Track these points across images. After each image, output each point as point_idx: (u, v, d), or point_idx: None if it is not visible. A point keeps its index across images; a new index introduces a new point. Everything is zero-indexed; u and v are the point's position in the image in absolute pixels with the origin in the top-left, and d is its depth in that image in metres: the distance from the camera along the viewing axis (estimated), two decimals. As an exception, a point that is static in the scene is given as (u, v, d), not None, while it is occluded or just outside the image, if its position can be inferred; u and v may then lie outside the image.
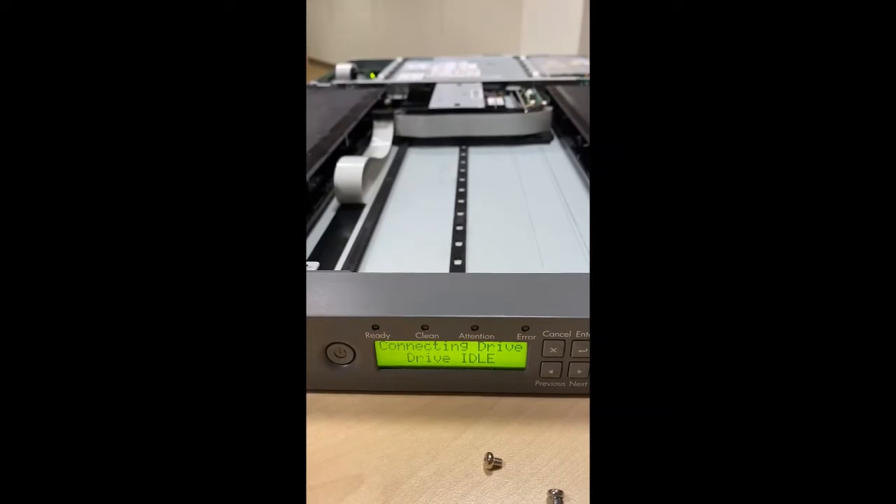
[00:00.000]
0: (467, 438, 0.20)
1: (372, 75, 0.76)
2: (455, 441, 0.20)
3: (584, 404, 0.21)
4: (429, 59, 0.84)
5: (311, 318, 0.20)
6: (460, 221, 0.35)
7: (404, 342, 0.21)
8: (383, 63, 0.82)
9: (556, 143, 0.51)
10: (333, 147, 0.41)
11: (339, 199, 0.38)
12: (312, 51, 2.85)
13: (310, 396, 0.22)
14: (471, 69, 0.71)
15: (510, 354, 0.21)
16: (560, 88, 0.58)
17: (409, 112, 0.51)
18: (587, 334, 0.20)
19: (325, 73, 0.74)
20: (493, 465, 0.19)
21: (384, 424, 0.21)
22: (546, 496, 0.18)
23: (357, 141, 0.49)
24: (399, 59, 0.82)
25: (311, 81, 0.66)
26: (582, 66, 0.72)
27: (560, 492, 0.18)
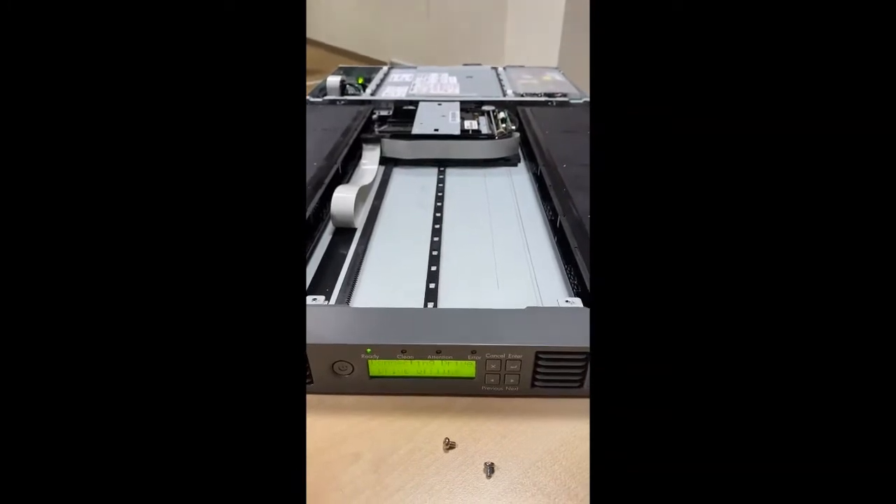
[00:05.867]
0: (432, 427, 0.29)
1: (360, 80, 0.82)
2: (424, 429, 0.29)
3: (515, 402, 0.30)
4: (413, 67, 0.90)
5: (322, 344, 0.28)
6: (436, 246, 0.43)
7: (389, 360, 0.29)
8: (370, 70, 0.88)
9: (522, 165, 0.59)
10: (329, 176, 0.48)
11: (334, 225, 0.45)
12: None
13: (321, 397, 0.30)
14: (451, 83, 0.77)
15: (464, 367, 0.29)
16: (528, 111, 0.65)
17: (393, 136, 0.58)
18: (516, 356, 0.28)
19: (311, 50, 0.77)
20: (449, 445, 0.28)
21: (374, 417, 0.29)
22: (482, 466, 0.26)
23: (349, 163, 0.57)
24: (385, 68, 0.88)
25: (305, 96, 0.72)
26: (553, 81, 0.79)
27: (492, 464, 0.26)
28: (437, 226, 0.46)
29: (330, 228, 0.46)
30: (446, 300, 0.36)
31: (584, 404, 0.30)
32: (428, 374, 0.30)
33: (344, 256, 0.42)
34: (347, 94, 0.74)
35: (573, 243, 0.37)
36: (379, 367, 0.29)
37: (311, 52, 2.76)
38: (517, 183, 0.55)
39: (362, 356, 0.29)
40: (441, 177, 0.56)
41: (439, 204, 0.50)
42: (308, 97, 0.72)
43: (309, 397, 0.30)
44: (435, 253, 0.42)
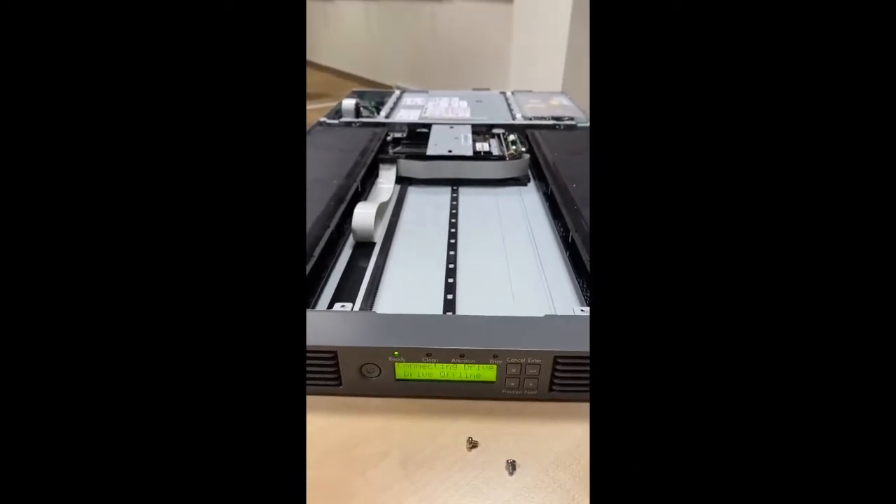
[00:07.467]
0: (455, 428, 0.30)
1: (373, 104, 0.85)
2: (447, 429, 0.30)
3: (534, 406, 0.32)
4: (423, 91, 0.93)
5: (351, 346, 0.30)
6: (451, 260, 0.45)
7: (414, 363, 0.31)
8: (382, 94, 0.91)
9: (532, 185, 0.61)
10: (350, 194, 0.50)
11: (355, 239, 0.48)
12: (307, 53, 2.91)
13: (348, 399, 0.32)
14: (462, 107, 0.80)
15: (485, 371, 0.31)
16: (537, 134, 0.68)
17: (409, 157, 0.61)
18: (536, 360, 0.30)
19: (317, 74, 0.81)
20: (472, 444, 0.29)
21: (400, 418, 0.31)
22: (504, 464, 0.28)
23: (367, 181, 0.59)
24: (397, 93, 0.91)
25: (321, 118, 0.75)
26: (560, 105, 0.82)
27: (514, 461, 0.28)
28: (452, 240, 0.48)
29: (350, 242, 0.48)
30: (464, 311, 0.38)
31: (600, 408, 0.31)
32: (451, 377, 0.31)
33: (364, 269, 0.43)
34: (362, 117, 0.77)
35: (585, 257, 0.39)
36: (405, 369, 0.31)
37: (319, 76, 2.83)
38: (528, 201, 0.57)
39: (389, 359, 0.30)
40: (454, 195, 0.58)
41: (453, 220, 0.52)
42: (325, 119, 0.74)
43: (337, 399, 0.32)
44: (451, 266, 0.44)
